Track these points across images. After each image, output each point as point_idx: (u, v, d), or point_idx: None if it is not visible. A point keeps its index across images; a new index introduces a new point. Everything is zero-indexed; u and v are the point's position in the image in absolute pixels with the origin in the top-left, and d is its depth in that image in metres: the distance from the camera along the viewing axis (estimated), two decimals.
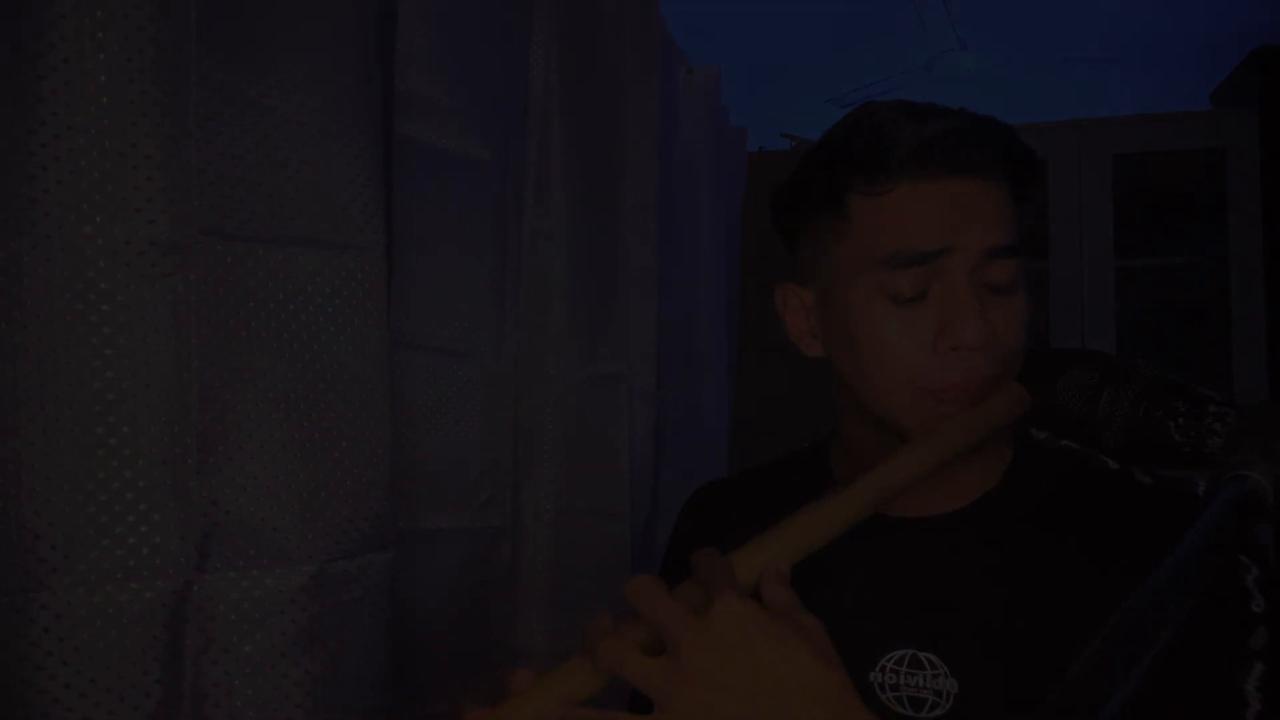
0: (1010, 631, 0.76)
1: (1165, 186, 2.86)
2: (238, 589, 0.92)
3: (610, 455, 1.62)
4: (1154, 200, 2.85)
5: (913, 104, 0.80)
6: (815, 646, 0.59)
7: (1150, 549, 0.56)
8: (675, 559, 0.99)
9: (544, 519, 1.50)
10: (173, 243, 0.89)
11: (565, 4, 1.54)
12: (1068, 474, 0.84)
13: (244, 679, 0.92)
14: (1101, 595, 0.58)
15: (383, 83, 1.14)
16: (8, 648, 0.81)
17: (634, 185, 1.74)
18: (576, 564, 1.52)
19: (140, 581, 0.86)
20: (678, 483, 1.94)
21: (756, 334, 2.51)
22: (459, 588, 1.34)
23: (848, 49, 2.61)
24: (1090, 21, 2.56)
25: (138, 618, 0.86)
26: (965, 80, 2.79)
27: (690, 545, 0.95)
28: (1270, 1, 2.40)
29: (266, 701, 0.93)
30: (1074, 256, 2.81)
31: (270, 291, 0.97)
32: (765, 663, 0.57)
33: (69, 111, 0.83)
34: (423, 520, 1.27)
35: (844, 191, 0.79)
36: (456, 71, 1.31)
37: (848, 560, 0.75)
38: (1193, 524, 0.50)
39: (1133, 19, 2.54)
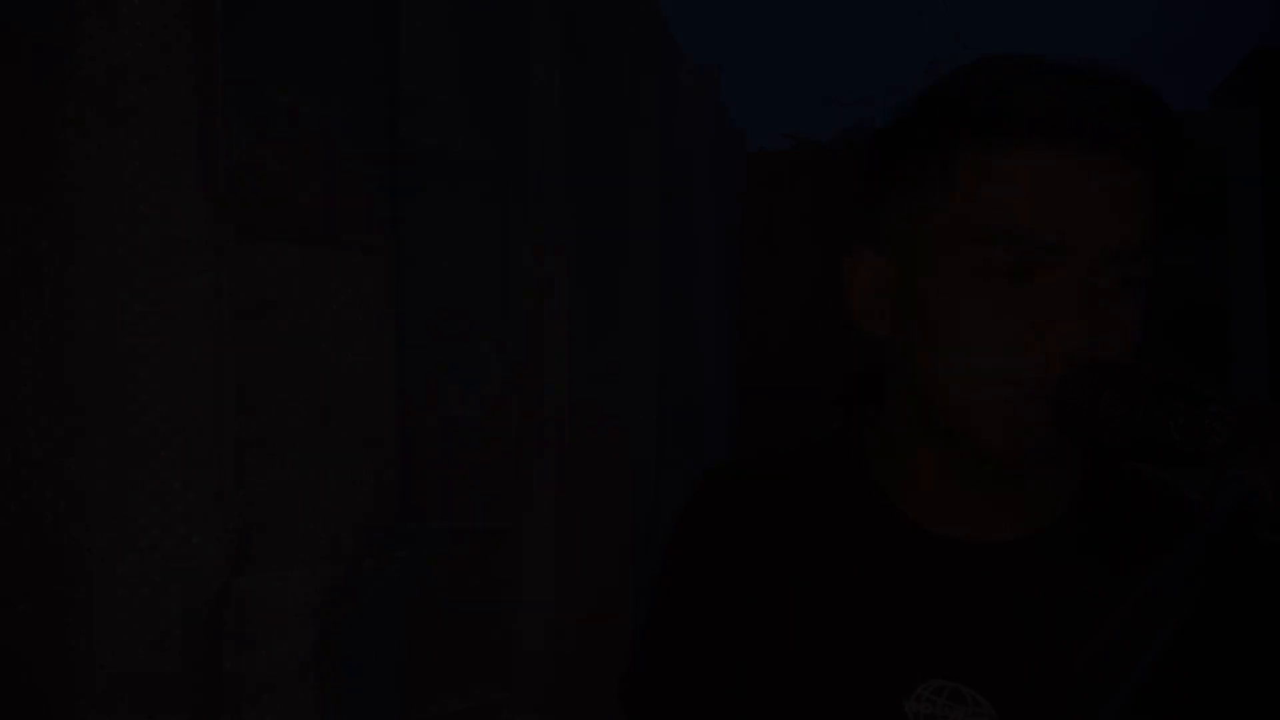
0: (1061, 672, 0.71)
1: None
2: (273, 590, 0.93)
3: (610, 455, 1.62)
4: None
5: (1048, 60, 0.68)
6: None
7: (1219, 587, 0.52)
8: (688, 555, 0.83)
9: (544, 519, 1.50)
10: (205, 241, 0.89)
11: (566, 5, 1.54)
12: (1141, 503, 0.75)
13: (282, 677, 0.92)
14: None
15: (386, 85, 1.14)
16: (46, 650, 0.81)
17: (634, 185, 1.74)
18: (577, 563, 1.52)
19: (180, 584, 0.86)
20: (678, 481, 1.94)
21: (756, 333, 2.51)
22: (460, 588, 1.34)
23: (848, 49, 2.62)
24: (1090, 22, 2.56)
25: (177, 620, 0.86)
26: None
27: (717, 542, 0.84)
28: (1270, 1, 2.40)
29: (304, 699, 0.94)
30: None
31: (299, 290, 0.97)
32: None
33: (99, 110, 0.83)
34: (424, 521, 1.27)
35: (952, 149, 0.66)
36: (459, 74, 1.31)
37: (894, 579, 0.71)
38: (1194, 524, 0.50)
39: (1133, 19, 2.54)
